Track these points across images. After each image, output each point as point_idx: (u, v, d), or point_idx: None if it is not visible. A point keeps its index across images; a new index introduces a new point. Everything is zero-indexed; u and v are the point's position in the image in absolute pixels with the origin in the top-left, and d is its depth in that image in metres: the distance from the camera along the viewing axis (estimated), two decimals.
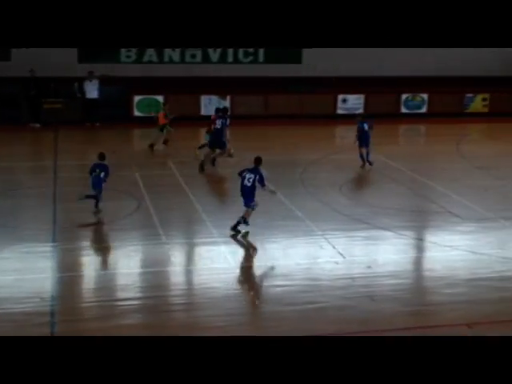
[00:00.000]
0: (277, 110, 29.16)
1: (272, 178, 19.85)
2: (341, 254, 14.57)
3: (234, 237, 15.35)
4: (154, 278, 13.33)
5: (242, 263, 14.26)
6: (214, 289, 12.80)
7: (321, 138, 26.34)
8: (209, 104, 28.49)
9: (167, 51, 29.61)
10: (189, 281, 13.61)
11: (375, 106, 29.63)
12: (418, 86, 30.86)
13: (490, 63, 31.73)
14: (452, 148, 24.85)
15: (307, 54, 30.37)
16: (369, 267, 14.00)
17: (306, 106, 29.41)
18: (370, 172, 21.69)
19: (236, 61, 30.22)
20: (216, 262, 14.04)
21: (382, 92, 30.26)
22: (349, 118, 29.08)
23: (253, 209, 15.61)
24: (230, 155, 21.82)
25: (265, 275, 13.70)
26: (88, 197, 16.87)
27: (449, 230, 16.35)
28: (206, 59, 29.96)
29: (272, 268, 13.93)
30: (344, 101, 30.07)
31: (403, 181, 20.52)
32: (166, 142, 24.19)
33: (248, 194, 15.58)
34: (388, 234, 15.93)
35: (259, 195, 15.72)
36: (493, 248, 15.22)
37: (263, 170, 15.74)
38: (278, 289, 12.88)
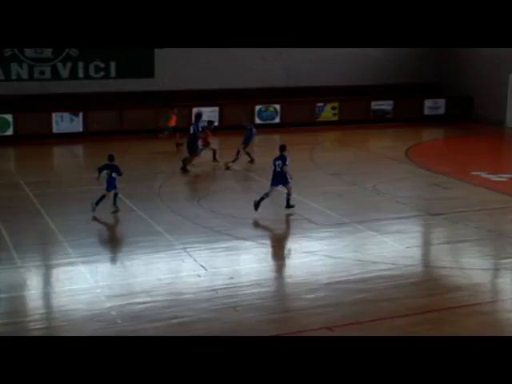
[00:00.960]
0: (132, 125, 28.84)
1: (129, 193, 19.68)
2: (203, 267, 14.53)
3: (257, 205, 17.91)
4: (10, 304, 12.79)
5: (102, 282, 13.92)
6: (75, 310, 12.42)
7: (176, 151, 26.28)
8: (61, 121, 27.85)
9: (14, 67, 28.57)
10: (47, 304, 13.14)
11: (230, 117, 29.93)
12: (270, 97, 31.44)
13: (340, 73, 32.85)
14: (306, 156, 25.43)
15: (159, 67, 30.30)
16: (231, 278, 14.05)
17: (162, 120, 29.21)
18: (228, 182, 21.84)
19: (87, 76, 29.66)
20: (75, 283, 13.65)
21: (236, 104, 30.61)
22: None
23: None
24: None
25: (126, 293, 13.43)
26: (98, 202, 17.79)
27: (307, 237, 16.68)
28: (55, 76, 29.18)
29: (133, 285, 13.70)
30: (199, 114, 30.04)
31: (260, 190, 20.72)
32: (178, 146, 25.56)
33: (282, 177, 18.37)
34: (248, 243, 16.06)
35: (125, 210, 15.43)
36: (349, 251, 15.66)
37: (288, 157, 18.42)
38: (141, 306, 12.66)
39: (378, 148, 27.58)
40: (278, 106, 31.36)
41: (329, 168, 23.77)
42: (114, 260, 15.16)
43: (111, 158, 18.62)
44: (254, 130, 24.49)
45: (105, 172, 18.34)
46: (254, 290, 13.50)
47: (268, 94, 31.64)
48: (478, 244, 16.38)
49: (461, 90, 33.98)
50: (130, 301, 12.92)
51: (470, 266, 15.05)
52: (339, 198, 19.99)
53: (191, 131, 23.17)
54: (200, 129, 23.29)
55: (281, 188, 18.63)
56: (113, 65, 29.86)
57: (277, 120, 31.34)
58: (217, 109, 30.27)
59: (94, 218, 17.58)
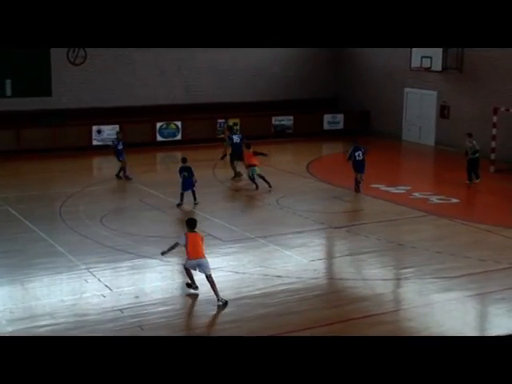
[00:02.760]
0: (29, 145, 28.17)
1: (28, 214, 19.22)
2: (107, 287, 14.31)
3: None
4: None
5: (3, 306, 13.49)
6: None
7: (77, 171, 25.85)
8: None
9: None
10: None
11: (131, 135, 29.70)
12: (171, 114, 31.35)
13: (240, 89, 33.10)
14: (209, 172, 25.45)
15: (56, 86, 29.79)
16: (136, 297, 13.89)
17: (60, 139, 28.71)
18: (128, 201, 21.63)
19: None
20: None
21: (137, 121, 30.38)
22: (104, 149, 28.93)
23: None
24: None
25: (28, 316, 13.06)
26: (182, 198, 20.53)
27: (212, 252, 16.63)
28: None
29: (36, 308, 13.36)
30: (99, 132, 29.72)
31: (163, 207, 20.65)
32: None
33: (363, 165, 22.18)
34: (152, 261, 15.92)
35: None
36: (254, 266, 15.74)
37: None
38: (44, 329, 12.35)
39: (279, 163, 27.88)
40: (179, 123, 31.30)
41: (231, 183, 23.87)
42: (14, 283, 14.73)
43: (184, 160, 20.86)
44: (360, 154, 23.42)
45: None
46: (160, 309, 13.40)
47: (169, 111, 31.54)
48: (379, 255, 16.77)
49: (358, 104, 34.80)
50: (33, 324, 12.59)
51: (373, 276, 15.39)
52: (242, 214, 20.09)
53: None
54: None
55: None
56: (8, 83, 29.12)
57: (178, 137, 31.25)
58: (117, 127, 29.93)
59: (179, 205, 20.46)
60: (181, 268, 15.93)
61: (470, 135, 24.42)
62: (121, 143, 24.20)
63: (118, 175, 24.14)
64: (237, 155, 24.44)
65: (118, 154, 24.17)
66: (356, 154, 22.41)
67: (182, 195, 20.61)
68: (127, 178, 23.91)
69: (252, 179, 22.69)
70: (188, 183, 20.62)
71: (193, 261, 13.75)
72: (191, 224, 13.94)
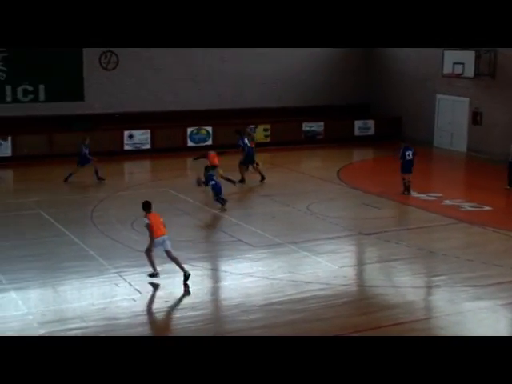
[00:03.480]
0: (62, 149, 28.40)
1: (61, 218, 19.41)
2: (137, 291, 14.39)
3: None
4: None
5: (35, 309, 13.64)
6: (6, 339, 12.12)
7: (109, 175, 26.02)
8: None
9: None
10: None
11: (161, 140, 29.88)
12: (201, 120, 31.45)
13: (271, 94, 33.14)
14: (238, 176, 25.46)
15: (88, 90, 30.08)
16: (166, 301, 13.95)
17: (93, 143, 28.88)
18: (159, 205, 21.74)
19: (15, 100, 29.19)
20: (6, 310, 13.35)
21: (168, 126, 30.54)
22: (136, 153, 29.17)
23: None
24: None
25: (59, 319, 13.18)
26: (223, 203, 20.89)
27: (241, 258, 16.69)
28: None
29: (66, 311, 13.47)
30: (130, 137, 29.93)
31: (193, 212, 20.73)
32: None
33: (411, 165, 22.69)
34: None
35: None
36: (284, 272, 15.72)
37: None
38: (74, 331, 12.44)
39: (309, 169, 27.86)
40: (209, 128, 31.39)
41: (262, 189, 23.88)
42: (45, 286, 14.87)
43: (207, 168, 21.62)
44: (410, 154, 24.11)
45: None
46: (190, 313, 13.44)
47: (199, 117, 31.65)
48: (410, 262, 16.66)
49: (390, 110, 34.66)
50: (63, 327, 12.69)
51: (403, 284, 15.29)
52: (273, 219, 20.10)
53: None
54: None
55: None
56: (41, 88, 29.45)
57: (209, 142, 31.34)
58: (148, 131, 30.12)
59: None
60: (210, 272, 16.01)
61: None
62: (87, 149, 24.60)
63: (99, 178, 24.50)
64: (249, 159, 24.62)
65: (82, 160, 24.54)
66: (406, 153, 22.79)
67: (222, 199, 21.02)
68: (100, 179, 24.35)
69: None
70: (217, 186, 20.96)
71: (159, 239, 14.67)
72: (147, 206, 14.93)
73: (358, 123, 34.17)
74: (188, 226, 19.43)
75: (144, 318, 13.10)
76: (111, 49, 29.80)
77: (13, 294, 14.12)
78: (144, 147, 29.99)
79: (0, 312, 13.28)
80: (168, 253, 14.79)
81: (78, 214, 20.50)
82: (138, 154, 29.53)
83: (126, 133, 29.88)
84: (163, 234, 14.74)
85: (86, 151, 24.63)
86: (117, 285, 14.79)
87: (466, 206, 21.74)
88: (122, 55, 30.30)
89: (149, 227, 14.65)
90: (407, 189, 22.79)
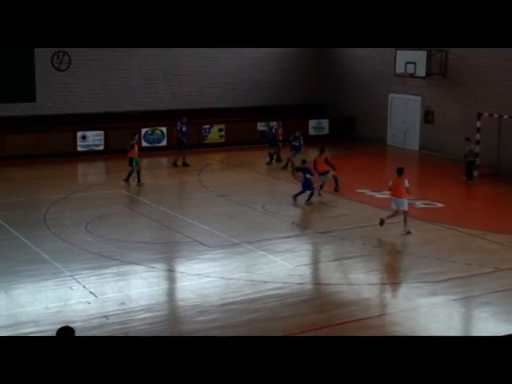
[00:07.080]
0: (14, 151, 28.00)
1: (13, 221, 19.13)
2: (92, 294, 14.25)
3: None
4: None
5: None
6: None
7: (62, 177, 25.75)
8: None
9: None
10: None
11: (115, 141, 29.64)
12: (156, 120, 31.28)
13: (225, 94, 33.12)
14: (194, 178, 25.44)
15: (40, 92, 29.70)
16: (122, 303, 13.84)
17: (45, 145, 28.57)
18: (115, 207, 21.55)
19: None
20: None
21: (121, 128, 30.29)
22: (90, 155, 28.91)
23: None
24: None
25: (13, 323, 12.98)
26: (309, 200, 21.62)
27: (198, 259, 16.64)
28: None
29: (20, 315, 13.28)
30: (83, 138, 29.61)
31: (149, 214, 20.60)
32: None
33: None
34: (138, 268, 15.87)
35: None
36: (240, 272, 15.73)
37: None
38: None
39: (265, 168, 27.90)
40: (164, 129, 31.24)
41: (217, 189, 23.85)
42: None
43: (304, 161, 22.36)
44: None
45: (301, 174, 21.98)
46: (146, 315, 13.36)
47: (154, 117, 31.49)
48: (365, 260, 16.79)
49: (344, 110, 34.88)
50: (17, 331, 12.50)
51: (358, 281, 15.42)
52: (229, 219, 20.08)
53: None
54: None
55: None
56: None
57: (164, 143, 31.19)
58: (102, 133, 29.86)
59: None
60: (166, 274, 15.93)
61: (468, 139, 25.58)
62: None
63: None
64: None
65: None
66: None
67: (309, 195, 21.71)
68: None
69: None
70: (307, 183, 21.74)
71: None
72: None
73: (312, 123, 34.31)
74: (144, 228, 19.32)
75: (99, 321, 12.96)
76: (63, 49, 29.46)
77: None
78: (97, 148, 29.72)
79: None
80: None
81: (30, 216, 20.21)
82: (91, 155, 29.25)
83: (79, 134, 29.57)
84: None
85: None
86: (71, 288, 14.62)
87: (420, 204, 21.98)
88: (75, 55, 29.98)
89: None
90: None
